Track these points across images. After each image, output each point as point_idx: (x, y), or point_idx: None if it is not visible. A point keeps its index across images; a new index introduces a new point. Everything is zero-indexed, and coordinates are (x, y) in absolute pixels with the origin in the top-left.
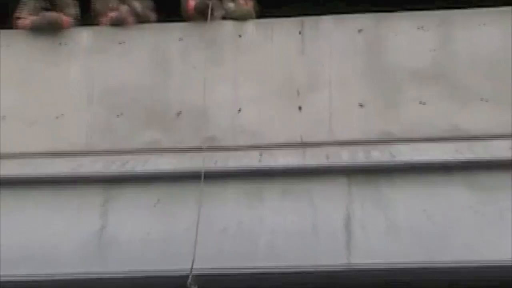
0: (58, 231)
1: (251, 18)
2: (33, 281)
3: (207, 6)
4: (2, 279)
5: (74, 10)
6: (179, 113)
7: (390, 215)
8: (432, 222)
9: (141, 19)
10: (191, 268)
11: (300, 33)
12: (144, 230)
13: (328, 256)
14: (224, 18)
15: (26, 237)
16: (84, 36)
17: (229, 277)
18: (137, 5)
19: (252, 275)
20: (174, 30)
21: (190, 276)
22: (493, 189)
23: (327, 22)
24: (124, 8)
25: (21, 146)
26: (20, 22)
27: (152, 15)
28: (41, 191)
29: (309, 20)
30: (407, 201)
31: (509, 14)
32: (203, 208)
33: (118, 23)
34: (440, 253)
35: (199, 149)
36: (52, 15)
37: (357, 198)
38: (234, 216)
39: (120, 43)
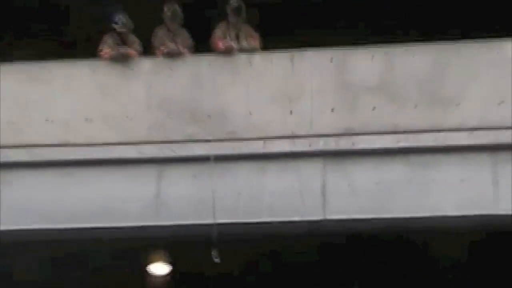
0: (128, 197)
1: (258, 51)
2: (112, 228)
3: (232, 49)
4: (92, 228)
5: (138, 46)
6: (209, 115)
7: (352, 184)
8: (380, 188)
9: (182, 52)
10: (215, 242)
11: (291, 60)
12: (185, 195)
13: (310, 212)
14: (240, 51)
15: (106, 201)
16: (146, 63)
17: (242, 226)
18: (181, 41)
19: (258, 224)
20: (205, 59)
21: (215, 250)
22: (421, 166)
23: (309, 53)
24: (171, 45)
25: (101, 138)
26: (102, 54)
27: (191, 49)
28: (116, 169)
29: (297, 52)
30: (363, 174)
31: (432, 49)
32: (226, 178)
33: (167, 55)
34: (385, 209)
35: (224, 140)
36: (124, 49)
37: (329, 172)
38: (246, 184)
39: (170, 68)
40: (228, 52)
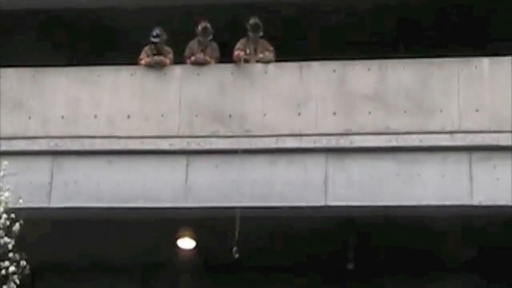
0: (161, 183)
1: (272, 62)
2: (147, 208)
3: (240, 57)
4: (130, 208)
5: (171, 55)
6: (230, 115)
7: (349, 176)
8: (373, 180)
9: (209, 61)
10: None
11: (300, 71)
12: (209, 181)
13: (314, 199)
14: (257, 61)
15: (142, 186)
16: (177, 70)
17: (256, 210)
18: (209, 53)
19: (270, 208)
20: (228, 68)
21: (235, 248)
22: (408, 163)
23: (315, 64)
24: (199, 55)
25: (140, 132)
26: (141, 61)
27: (217, 60)
28: (151, 158)
29: (305, 63)
30: (359, 168)
31: (419, 63)
32: (244, 169)
33: (196, 63)
34: (377, 198)
35: (242, 136)
36: (159, 58)
37: (331, 166)
38: (261, 174)
39: (197, 74)
40: (236, 59)
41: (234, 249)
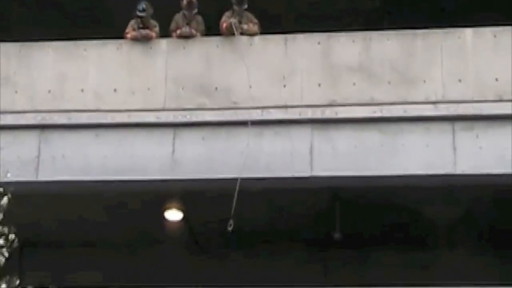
0: (148, 155)
1: (257, 34)
2: (135, 181)
3: (232, 28)
4: (119, 181)
5: (157, 28)
6: (216, 88)
7: (334, 147)
8: (358, 151)
9: (195, 34)
10: (232, 211)
11: (285, 43)
12: (196, 153)
13: (300, 169)
14: (241, 34)
15: (130, 158)
16: (163, 43)
17: (243, 180)
18: (194, 26)
19: (257, 179)
20: (214, 41)
21: (230, 221)
22: (393, 133)
23: (300, 37)
24: (185, 28)
25: (127, 105)
26: (127, 35)
27: (203, 33)
28: (138, 131)
29: (290, 36)
30: (344, 139)
31: (403, 34)
32: (230, 141)
33: (181, 36)
34: (362, 168)
35: (228, 108)
36: (145, 32)
37: (316, 137)
38: (243, 144)
39: (183, 47)
40: (227, 30)
41: (230, 222)
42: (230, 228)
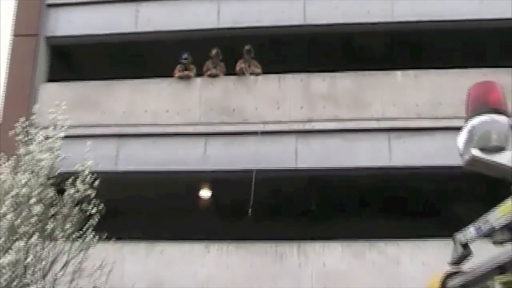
0: (187, 154)
1: (260, 74)
2: (179, 171)
3: (243, 70)
4: (168, 171)
5: (194, 70)
6: (233, 109)
7: (312, 149)
8: (328, 151)
9: (219, 74)
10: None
11: (278, 80)
12: (220, 153)
13: (288, 162)
14: (251, 74)
15: (176, 157)
16: (198, 80)
17: (250, 172)
18: (219, 69)
19: (263, 171)
20: (231, 79)
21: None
22: (351, 139)
23: (289, 77)
24: (213, 71)
25: (174, 121)
26: (174, 75)
27: (224, 73)
28: (181, 138)
29: (282, 76)
30: (318, 143)
31: (357, 75)
32: (242, 145)
33: (210, 75)
34: (329, 162)
35: (241, 123)
36: (186, 72)
37: (299, 142)
38: (254, 149)
39: (211, 83)
40: (240, 71)
41: (250, 210)
42: (249, 212)
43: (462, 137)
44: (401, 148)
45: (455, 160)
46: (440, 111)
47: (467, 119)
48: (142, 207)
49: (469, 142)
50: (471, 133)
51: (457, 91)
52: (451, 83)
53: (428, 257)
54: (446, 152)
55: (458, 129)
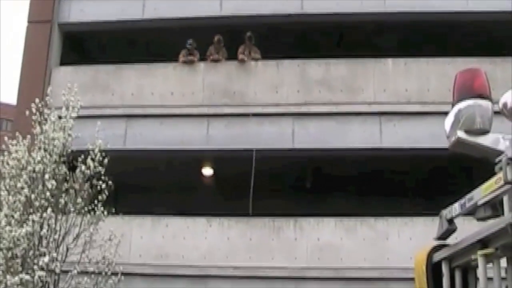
0: (191, 134)
1: (260, 60)
2: (183, 150)
3: (244, 60)
4: (174, 150)
5: (198, 55)
6: (234, 93)
7: (307, 130)
8: (322, 133)
9: (221, 59)
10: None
11: (277, 66)
12: (221, 134)
13: (285, 143)
14: (252, 59)
15: (181, 136)
16: (202, 65)
17: (251, 152)
18: (221, 54)
19: (259, 151)
20: (233, 64)
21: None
22: (344, 122)
23: (286, 61)
24: (215, 56)
25: (179, 103)
26: (180, 59)
27: (226, 58)
28: (186, 119)
29: (280, 61)
30: (313, 125)
31: (350, 62)
32: (243, 126)
33: (213, 60)
34: (324, 143)
35: (242, 105)
36: (190, 57)
37: (296, 124)
38: (252, 130)
39: (214, 67)
40: (241, 61)
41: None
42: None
43: (449, 120)
44: (391, 131)
45: (441, 143)
46: (428, 97)
47: (453, 103)
48: (148, 184)
49: (455, 125)
50: (457, 116)
51: (444, 78)
52: (438, 71)
53: (415, 233)
54: (433, 135)
55: (445, 113)
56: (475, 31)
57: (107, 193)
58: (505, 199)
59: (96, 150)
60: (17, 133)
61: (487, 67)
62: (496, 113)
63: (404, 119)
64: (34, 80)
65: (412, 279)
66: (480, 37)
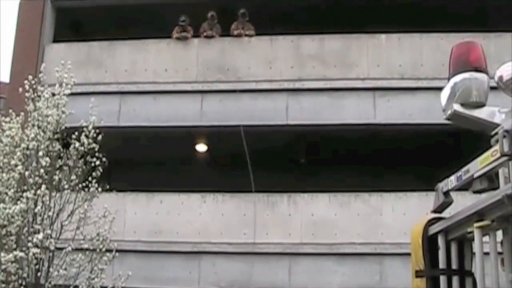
0: (185, 109)
1: (253, 36)
2: (178, 126)
3: (238, 31)
4: (165, 126)
5: (191, 32)
6: (228, 69)
7: (301, 105)
8: (316, 107)
9: (215, 35)
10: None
11: (271, 41)
12: (215, 109)
13: (280, 120)
14: (245, 35)
15: (175, 112)
16: (195, 41)
17: (244, 127)
18: (215, 31)
19: (252, 127)
20: (227, 40)
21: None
22: (337, 97)
23: (280, 37)
24: (209, 32)
25: (173, 79)
26: (173, 36)
27: (219, 34)
28: (179, 95)
29: (274, 37)
30: (307, 100)
31: (344, 37)
32: (236, 102)
33: (207, 36)
34: (318, 119)
35: (235, 81)
36: (184, 34)
37: (290, 99)
38: (246, 105)
39: (208, 43)
40: (238, 35)
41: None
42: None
43: (444, 93)
44: (385, 106)
45: (434, 118)
46: (421, 72)
47: (449, 76)
48: (143, 160)
49: (451, 98)
50: (453, 89)
51: (438, 53)
52: (432, 46)
53: (408, 208)
54: (426, 110)
55: (438, 89)
56: (468, 6)
57: (101, 169)
58: (501, 171)
59: (90, 127)
60: (10, 110)
61: (480, 42)
62: (492, 88)
63: (398, 94)
64: (27, 57)
65: (405, 254)
66: (472, 12)
